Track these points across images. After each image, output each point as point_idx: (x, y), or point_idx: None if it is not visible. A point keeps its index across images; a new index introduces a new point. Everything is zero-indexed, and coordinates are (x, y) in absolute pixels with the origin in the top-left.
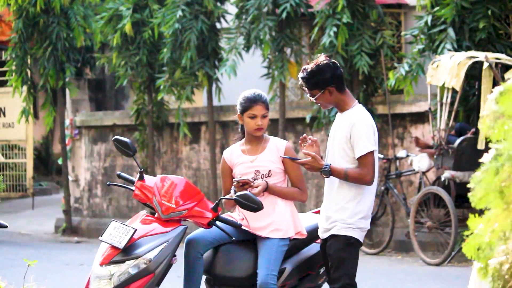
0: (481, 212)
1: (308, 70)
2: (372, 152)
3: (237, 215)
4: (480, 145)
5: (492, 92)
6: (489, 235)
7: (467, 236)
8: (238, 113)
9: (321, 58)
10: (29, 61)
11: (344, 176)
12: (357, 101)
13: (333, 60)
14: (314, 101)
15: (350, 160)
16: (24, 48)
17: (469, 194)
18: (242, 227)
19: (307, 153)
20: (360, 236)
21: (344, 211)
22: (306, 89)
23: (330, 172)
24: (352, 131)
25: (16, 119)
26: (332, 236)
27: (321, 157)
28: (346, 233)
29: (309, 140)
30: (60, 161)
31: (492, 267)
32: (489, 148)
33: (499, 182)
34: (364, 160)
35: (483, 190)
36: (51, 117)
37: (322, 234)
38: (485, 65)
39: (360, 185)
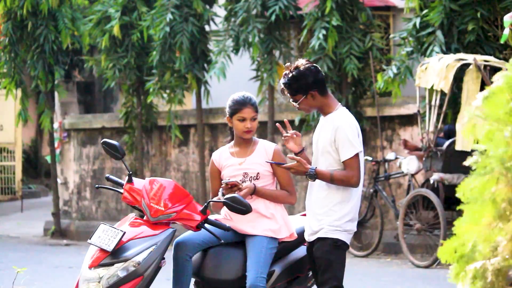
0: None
1: (290, 75)
2: (357, 155)
3: (223, 216)
4: (459, 147)
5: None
6: (478, 238)
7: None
8: (227, 115)
9: (302, 62)
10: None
11: (330, 179)
12: (340, 103)
13: (314, 64)
14: (297, 106)
15: (334, 163)
16: (15, 51)
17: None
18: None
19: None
20: (347, 238)
21: (331, 214)
22: (288, 94)
23: (315, 175)
24: (337, 134)
25: (4, 121)
26: (319, 239)
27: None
28: (333, 236)
29: (288, 133)
30: (48, 158)
31: (474, 270)
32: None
33: (489, 187)
34: (350, 162)
35: (474, 196)
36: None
37: (309, 237)
38: (470, 67)
39: (347, 187)
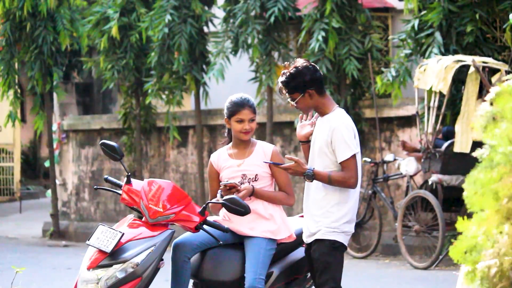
0: (469, 216)
1: (288, 74)
2: (354, 156)
3: (222, 217)
4: (457, 148)
5: (477, 95)
6: (482, 237)
7: (456, 238)
8: (225, 117)
9: (300, 61)
10: (16, 64)
11: (328, 180)
12: (337, 105)
13: (312, 63)
14: (295, 105)
15: (331, 164)
16: (11, 52)
17: (463, 194)
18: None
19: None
20: (344, 240)
21: (329, 215)
22: (286, 93)
23: (313, 176)
24: (333, 135)
25: (3, 123)
26: (316, 240)
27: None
28: (331, 237)
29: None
30: (47, 164)
31: (480, 271)
32: (479, 146)
33: (493, 182)
34: (347, 163)
35: (478, 190)
36: (41, 120)
37: (307, 239)
38: (471, 69)
39: (344, 188)
